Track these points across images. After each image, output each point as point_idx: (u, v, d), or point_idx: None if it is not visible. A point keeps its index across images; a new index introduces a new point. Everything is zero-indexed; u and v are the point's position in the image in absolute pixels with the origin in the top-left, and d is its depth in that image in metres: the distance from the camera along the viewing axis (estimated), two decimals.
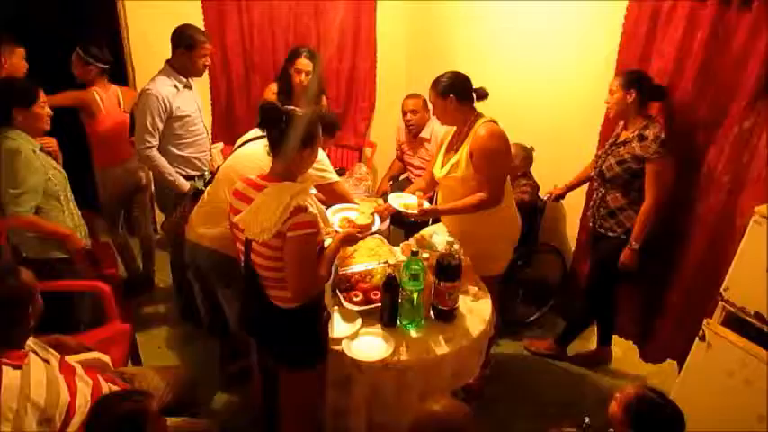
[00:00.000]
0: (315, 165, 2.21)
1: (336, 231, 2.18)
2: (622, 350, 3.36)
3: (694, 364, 2.40)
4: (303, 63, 3.47)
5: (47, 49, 3.47)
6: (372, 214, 2.52)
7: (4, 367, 1.66)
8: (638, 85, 2.71)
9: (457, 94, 2.56)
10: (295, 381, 2.15)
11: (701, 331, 2.35)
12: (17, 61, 3.28)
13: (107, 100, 3.44)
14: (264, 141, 2.51)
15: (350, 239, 2.18)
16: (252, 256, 1.97)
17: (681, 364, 2.61)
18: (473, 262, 2.64)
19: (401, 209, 2.63)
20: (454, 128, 2.77)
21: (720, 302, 2.32)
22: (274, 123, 1.92)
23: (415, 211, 2.60)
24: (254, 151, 2.46)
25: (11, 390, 1.64)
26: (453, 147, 2.70)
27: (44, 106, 2.56)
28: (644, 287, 3.11)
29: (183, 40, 3.02)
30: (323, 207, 2.05)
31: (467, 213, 2.62)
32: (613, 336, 3.32)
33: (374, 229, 2.48)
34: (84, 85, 3.38)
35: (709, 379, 2.32)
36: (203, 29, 3.52)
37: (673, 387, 2.46)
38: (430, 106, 3.70)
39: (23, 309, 1.73)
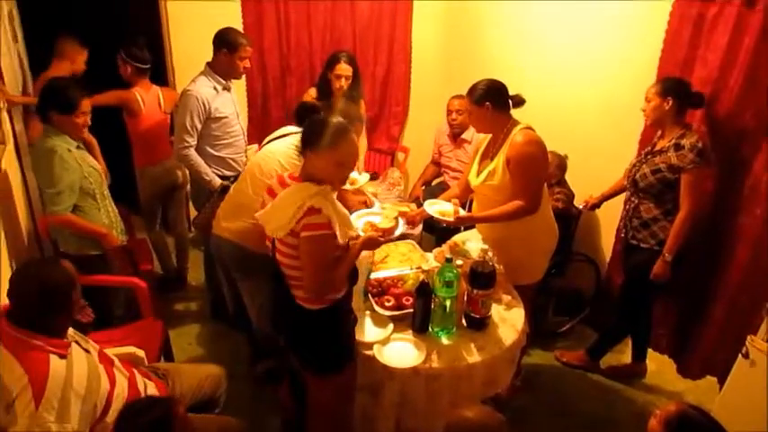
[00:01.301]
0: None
1: (359, 235, 2.17)
2: (657, 365, 3.28)
3: (737, 383, 2.33)
4: (343, 68, 3.49)
5: (94, 51, 3.63)
6: (396, 218, 2.46)
7: (51, 356, 1.71)
8: (675, 92, 2.65)
9: (493, 101, 2.54)
10: (319, 384, 2.16)
11: (744, 348, 2.27)
12: (80, 62, 3.50)
13: (147, 100, 3.50)
14: (289, 139, 2.53)
15: (372, 243, 2.15)
16: (276, 254, 2.01)
17: (721, 382, 2.54)
18: (507, 270, 2.61)
19: (437, 215, 2.61)
20: (490, 135, 2.75)
21: (766, 318, 2.24)
22: (307, 123, 1.97)
23: (451, 218, 2.57)
24: (277, 149, 2.52)
25: (57, 379, 1.68)
26: (489, 154, 2.68)
27: (83, 116, 2.62)
28: (682, 300, 3.04)
29: (225, 42, 3.06)
30: (346, 211, 2.04)
31: (503, 221, 2.59)
32: (649, 349, 3.24)
33: (398, 233, 2.42)
34: (128, 84, 3.46)
35: (752, 398, 2.23)
36: (242, 31, 3.58)
37: (712, 405, 2.39)
38: None
39: (66, 297, 1.78)
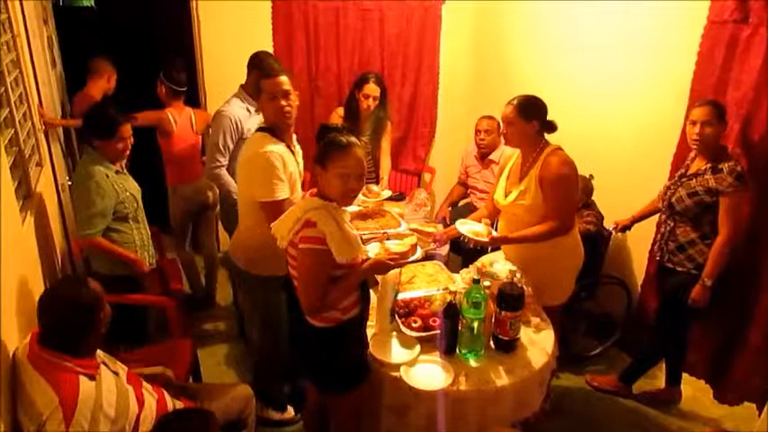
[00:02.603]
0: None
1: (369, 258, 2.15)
2: (693, 390, 3.19)
3: None
4: (371, 88, 3.54)
5: (130, 71, 3.85)
6: (414, 245, 2.31)
7: (80, 377, 1.72)
8: (724, 116, 2.63)
9: (541, 121, 2.56)
10: (336, 405, 2.18)
11: None
12: (113, 81, 3.67)
13: (180, 121, 3.60)
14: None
15: (380, 267, 2.09)
16: (289, 267, 2.06)
17: (760, 408, 2.46)
18: (534, 291, 2.58)
19: (470, 235, 2.60)
20: (515, 155, 2.75)
21: None
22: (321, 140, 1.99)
23: (486, 239, 2.56)
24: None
25: (87, 400, 1.69)
26: (518, 174, 2.67)
27: (123, 141, 2.69)
28: (718, 323, 2.96)
29: (258, 65, 3.11)
30: (355, 232, 2.03)
31: (536, 242, 2.58)
32: (684, 374, 3.16)
33: (412, 258, 2.29)
34: (162, 105, 3.58)
35: None
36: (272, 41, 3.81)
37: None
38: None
39: (93, 315, 1.79)
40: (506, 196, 2.69)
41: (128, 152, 2.76)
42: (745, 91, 2.70)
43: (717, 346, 3.00)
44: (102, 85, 3.73)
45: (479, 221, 2.71)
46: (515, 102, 2.58)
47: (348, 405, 2.17)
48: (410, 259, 2.27)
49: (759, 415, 2.42)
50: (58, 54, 3.92)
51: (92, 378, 1.76)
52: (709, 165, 2.64)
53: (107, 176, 2.65)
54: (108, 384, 1.82)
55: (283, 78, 2.37)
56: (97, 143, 2.66)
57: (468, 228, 2.67)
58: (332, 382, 2.13)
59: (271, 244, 2.07)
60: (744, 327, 2.84)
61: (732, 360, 2.91)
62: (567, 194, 2.55)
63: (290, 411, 2.94)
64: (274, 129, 2.42)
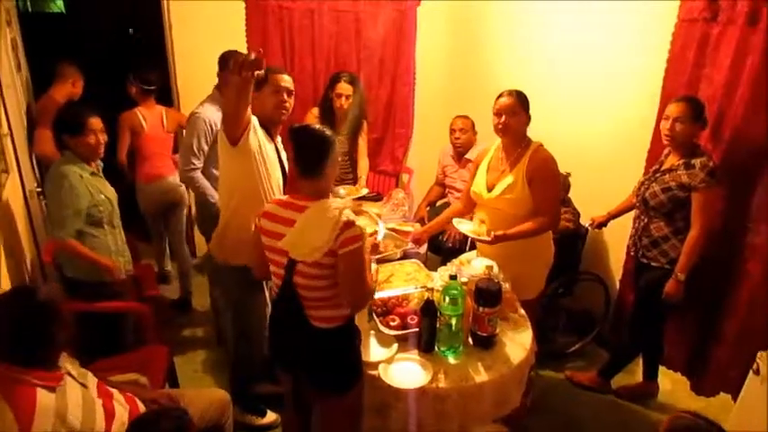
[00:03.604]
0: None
1: None
2: (671, 383, 3.22)
3: (748, 399, 2.27)
4: (343, 87, 3.53)
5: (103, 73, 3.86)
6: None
7: (38, 390, 1.66)
8: (702, 113, 2.65)
9: (529, 114, 2.63)
10: (334, 406, 2.10)
11: (755, 364, 2.23)
12: (79, 86, 3.71)
13: (150, 119, 3.72)
14: None
15: (374, 249, 2.25)
16: (295, 279, 1.94)
17: (735, 399, 2.49)
18: (512, 286, 2.59)
19: (471, 235, 2.64)
20: (491, 149, 2.78)
21: None
22: (307, 143, 1.92)
23: (487, 238, 2.55)
24: None
25: (45, 413, 1.64)
26: (500, 168, 2.69)
27: (94, 135, 2.63)
28: (694, 317, 2.99)
29: (226, 62, 3.10)
30: None
31: (531, 237, 2.60)
32: (662, 367, 3.19)
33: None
34: (134, 104, 3.73)
35: (764, 415, 2.18)
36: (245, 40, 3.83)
37: (726, 424, 2.33)
38: (477, 129, 3.71)
39: (44, 325, 1.72)
40: (489, 190, 2.69)
41: (101, 149, 2.70)
42: (716, 88, 2.75)
43: (693, 339, 3.04)
44: (68, 89, 3.66)
45: (469, 219, 2.76)
46: (513, 93, 2.60)
47: (350, 403, 2.11)
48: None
49: (734, 404, 2.45)
50: (23, 57, 3.84)
51: (51, 390, 1.70)
52: (682, 161, 2.67)
53: (81, 177, 2.59)
54: (73, 396, 1.76)
55: (289, 78, 2.50)
56: (69, 141, 2.61)
57: (468, 227, 2.68)
58: (340, 383, 2.06)
59: (248, 233, 2.08)
60: (719, 320, 2.88)
61: (708, 353, 2.95)
62: (556, 190, 2.63)
63: (271, 415, 2.90)
64: (266, 122, 2.48)
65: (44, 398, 1.66)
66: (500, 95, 2.63)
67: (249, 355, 2.69)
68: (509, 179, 2.62)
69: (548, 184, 2.59)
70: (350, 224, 1.84)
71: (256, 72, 2.02)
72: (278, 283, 2.02)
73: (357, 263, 1.88)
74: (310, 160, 1.92)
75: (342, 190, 3.47)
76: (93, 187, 2.64)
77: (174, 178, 3.74)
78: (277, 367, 2.27)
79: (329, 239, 1.82)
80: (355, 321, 2.09)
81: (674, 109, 2.66)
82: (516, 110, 2.59)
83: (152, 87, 3.71)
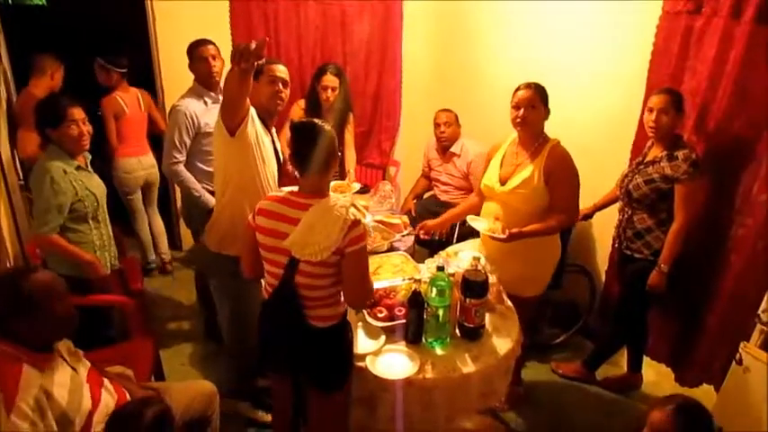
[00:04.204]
0: None
1: None
2: (655, 374, 3.26)
3: (731, 389, 2.32)
4: (329, 79, 3.52)
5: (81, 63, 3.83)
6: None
7: (24, 365, 1.69)
8: (682, 104, 2.67)
9: (548, 109, 2.59)
10: (329, 403, 2.10)
11: (738, 355, 2.27)
12: (58, 77, 3.66)
13: (129, 101, 3.88)
14: None
15: None
16: (297, 278, 1.90)
17: (718, 390, 2.52)
18: (516, 282, 2.60)
19: (487, 233, 2.57)
20: (506, 141, 2.73)
21: (758, 325, 2.23)
22: (312, 139, 1.88)
23: (502, 236, 2.49)
24: None
25: (29, 388, 1.66)
26: (515, 162, 2.64)
27: (76, 125, 2.58)
28: (678, 309, 3.02)
29: (188, 52, 3.11)
30: None
31: (547, 235, 2.58)
32: (646, 358, 3.22)
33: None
34: (107, 90, 3.87)
35: (746, 404, 2.23)
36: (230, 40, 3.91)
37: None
38: (461, 122, 3.72)
39: (35, 306, 1.74)
40: (503, 184, 2.64)
41: (85, 140, 2.63)
42: (700, 81, 2.77)
43: (677, 330, 3.07)
44: (46, 82, 3.59)
45: (482, 216, 2.74)
46: (532, 85, 2.56)
47: (343, 398, 2.12)
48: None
49: (717, 394, 2.48)
50: (4, 50, 3.77)
51: (40, 369, 1.72)
52: (665, 152, 2.69)
53: (65, 172, 2.54)
54: (61, 377, 1.78)
55: (285, 68, 2.51)
56: (52, 134, 2.56)
57: (483, 225, 2.64)
58: (338, 380, 2.06)
59: (243, 222, 2.08)
60: (703, 311, 2.90)
61: (692, 344, 2.98)
62: (577, 188, 2.58)
63: None
64: (262, 113, 2.48)
65: (30, 373, 1.69)
66: (518, 88, 2.58)
67: (251, 347, 2.67)
68: (525, 173, 2.57)
69: (567, 182, 2.55)
70: (356, 222, 1.83)
71: (257, 63, 2.00)
72: (273, 282, 1.97)
73: (362, 261, 1.88)
74: (315, 157, 1.88)
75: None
76: (77, 182, 2.60)
77: (152, 157, 4.05)
78: (268, 368, 2.26)
79: (337, 238, 1.80)
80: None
81: (656, 100, 2.68)
82: (535, 103, 2.53)
83: (124, 70, 3.85)
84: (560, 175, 2.53)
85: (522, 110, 2.54)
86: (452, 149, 3.88)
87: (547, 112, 2.59)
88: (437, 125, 3.88)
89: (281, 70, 2.48)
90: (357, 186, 3.40)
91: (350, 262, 1.86)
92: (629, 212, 2.87)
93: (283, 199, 1.96)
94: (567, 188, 2.56)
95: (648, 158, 2.78)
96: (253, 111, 2.34)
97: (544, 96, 2.57)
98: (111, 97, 3.83)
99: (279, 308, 1.99)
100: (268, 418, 2.85)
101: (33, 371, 1.70)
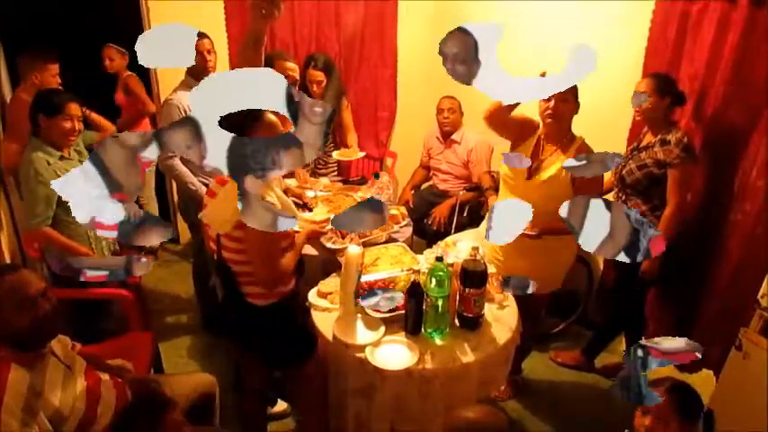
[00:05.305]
0: None
1: (296, 231, 2.20)
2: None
3: (731, 375, 2.32)
4: (314, 74, 3.47)
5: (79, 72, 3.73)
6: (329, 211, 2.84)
7: (12, 365, 1.68)
8: (670, 89, 2.65)
9: (578, 103, 2.49)
10: (297, 377, 2.18)
11: (737, 340, 2.27)
12: (48, 78, 3.45)
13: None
14: None
15: (315, 234, 2.33)
16: (223, 252, 1.98)
17: (718, 374, 2.52)
18: (534, 277, 2.57)
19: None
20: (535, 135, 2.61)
21: (758, 310, 2.23)
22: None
23: (531, 233, 2.41)
24: None
25: (16, 386, 1.65)
26: (540, 156, 2.53)
27: (71, 121, 2.57)
28: (677, 295, 3.02)
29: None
30: (289, 200, 2.12)
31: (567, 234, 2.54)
32: None
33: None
34: (115, 76, 4.21)
35: (746, 389, 2.23)
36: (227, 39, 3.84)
37: (708, 399, 2.37)
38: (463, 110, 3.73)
39: (16, 308, 1.71)
40: (529, 177, 2.54)
41: (74, 137, 2.62)
42: (698, 66, 2.75)
43: (676, 316, 3.07)
44: (32, 84, 3.45)
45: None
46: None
47: (309, 372, 2.18)
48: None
49: (716, 381, 2.49)
50: None
51: (28, 368, 1.71)
52: (657, 137, 2.68)
53: (48, 163, 2.52)
54: (53, 375, 1.77)
55: (294, 65, 2.54)
56: (43, 122, 2.53)
57: None
58: (289, 356, 2.14)
59: None
60: (701, 297, 2.90)
61: (691, 329, 2.98)
62: (602, 188, 2.57)
63: (282, 404, 2.89)
64: None
65: (18, 373, 1.67)
66: None
67: None
68: (553, 169, 2.47)
69: (596, 182, 2.53)
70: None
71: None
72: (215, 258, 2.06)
73: (263, 239, 1.86)
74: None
75: (335, 153, 3.59)
76: (62, 172, 2.55)
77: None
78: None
79: (236, 211, 1.82)
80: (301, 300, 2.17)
81: (639, 86, 2.69)
82: (567, 96, 2.40)
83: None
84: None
85: (552, 102, 2.40)
86: (454, 137, 3.88)
87: (577, 107, 2.48)
88: (441, 111, 3.87)
89: (290, 67, 2.50)
90: (361, 154, 3.45)
91: (250, 238, 1.87)
92: (623, 198, 2.86)
93: (220, 178, 2.01)
94: (595, 188, 2.53)
95: (643, 144, 2.77)
96: None
97: (575, 89, 2.42)
98: (132, 76, 4.19)
99: (221, 285, 2.06)
100: (269, 411, 2.85)
101: (22, 370, 1.68)
